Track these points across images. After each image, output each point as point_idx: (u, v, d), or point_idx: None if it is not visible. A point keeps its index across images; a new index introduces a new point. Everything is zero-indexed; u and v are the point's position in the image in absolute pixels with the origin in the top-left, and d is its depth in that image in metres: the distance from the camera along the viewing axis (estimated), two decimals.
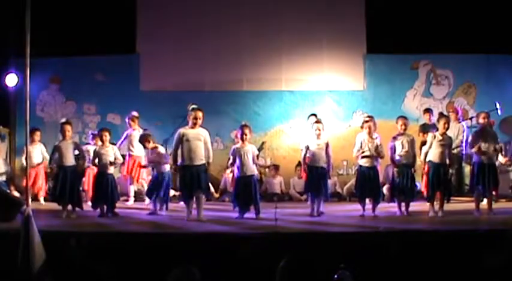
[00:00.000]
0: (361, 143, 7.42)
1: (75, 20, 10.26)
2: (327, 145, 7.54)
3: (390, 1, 10.33)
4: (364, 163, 7.43)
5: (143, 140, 7.97)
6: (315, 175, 7.46)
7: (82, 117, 10.97)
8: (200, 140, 7.17)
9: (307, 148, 7.52)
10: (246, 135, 7.35)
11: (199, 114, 7.16)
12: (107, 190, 7.57)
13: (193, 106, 7.26)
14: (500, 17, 10.02)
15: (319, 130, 7.50)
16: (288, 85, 10.94)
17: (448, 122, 7.46)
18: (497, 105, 9.13)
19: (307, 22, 10.73)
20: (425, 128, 9.17)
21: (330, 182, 9.58)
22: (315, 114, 9.04)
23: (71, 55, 10.51)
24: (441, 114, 7.76)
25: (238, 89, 10.90)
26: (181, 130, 7.23)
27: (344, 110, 10.87)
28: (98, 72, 10.95)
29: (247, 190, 7.27)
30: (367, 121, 7.52)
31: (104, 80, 10.96)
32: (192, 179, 7.09)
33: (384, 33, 10.34)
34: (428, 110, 9.77)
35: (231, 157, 7.46)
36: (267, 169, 10.02)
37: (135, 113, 9.21)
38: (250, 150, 7.36)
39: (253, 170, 7.39)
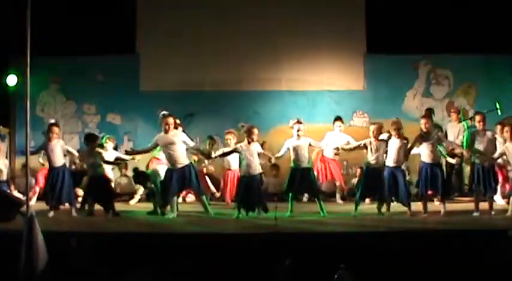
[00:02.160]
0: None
1: (75, 20, 10.25)
2: (309, 144, 7.68)
3: (390, 1, 10.33)
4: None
5: None
6: (297, 177, 7.54)
7: (82, 117, 10.97)
8: (174, 143, 7.35)
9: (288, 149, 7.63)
10: (254, 135, 7.43)
11: (170, 120, 7.42)
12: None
13: (163, 112, 7.52)
14: (499, 17, 10.02)
15: (300, 130, 7.61)
16: (288, 85, 10.93)
17: (428, 121, 7.47)
18: (497, 105, 9.12)
19: (307, 22, 10.72)
20: None
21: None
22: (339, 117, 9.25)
23: (71, 55, 10.50)
24: (424, 114, 7.79)
25: (238, 89, 10.89)
26: (159, 135, 7.50)
27: (344, 110, 10.85)
28: (98, 72, 10.94)
29: (252, 189, 7.29)
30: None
31: (104, 80, 10.95)
32: (178, 181, 7.32)
33: (384, 33, 10.33)
34: (429, 110, 9.75)
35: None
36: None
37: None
38: (255, 150, 7.39)
39: (258, 169, 7.43)
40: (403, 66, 10.98)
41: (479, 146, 7.43)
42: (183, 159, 7.39)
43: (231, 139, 8.32)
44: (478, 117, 7.63)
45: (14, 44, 9.13)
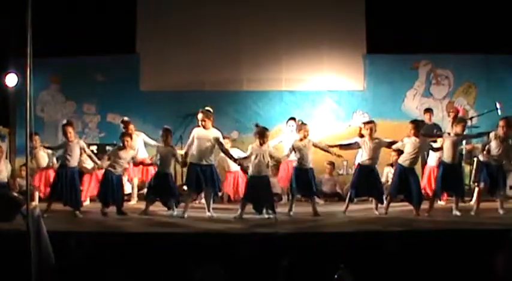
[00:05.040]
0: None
1: (75, 20, 10.25)
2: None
3: (390, 1, 10.33)
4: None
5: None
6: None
7: (82, 117, 10.97)
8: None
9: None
10: (266, 138, 7.44)
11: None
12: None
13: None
14: (500, 16, 10.02)
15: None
16: (288, 85, 10.93)
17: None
18: (497, 105, 9.13)
19: (307, 22, 10.72)
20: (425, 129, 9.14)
21: (330, 181, 9.65)
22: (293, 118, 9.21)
23: (71, 55, 10.51)
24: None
25: (238, 89, 10.89)
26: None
27: (344, 110, 10.87)
28: (98, 72, 10.95)
29: (262, 190, 7.29)
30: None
31: (104, 80, 10.96)
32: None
33: (384, 33, 10.33)
34: (428, 110, 9.76)
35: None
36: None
37: (126, 118, 9.22)
38: (267, 151, 7.39)
39: (267, 170, 7.45)
40: (403, 66, 10.98)
41: (495, 150, 7.43)
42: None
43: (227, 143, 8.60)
44: (501, 122, 7.56)
45: (14, 44, 9.15)
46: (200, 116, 7.55)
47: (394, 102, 10.80)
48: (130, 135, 8.15)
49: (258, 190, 7.31)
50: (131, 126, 9.06)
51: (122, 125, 9.11)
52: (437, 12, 10.25)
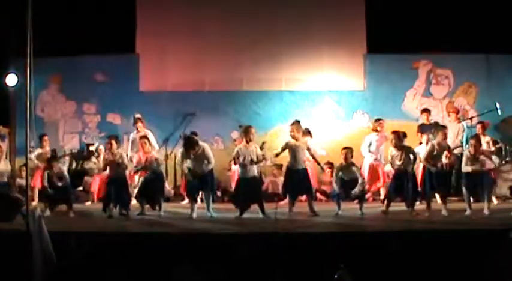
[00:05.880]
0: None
1: (75, 20, 10.26)
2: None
3: (390, 1, 10.33)
4: None
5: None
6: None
7: (82, 117, 10.98)
8: None
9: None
10: (252, 135, 7.39)
11: None
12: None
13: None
14: (500, 16, 10.02)
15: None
16: (288, 85, 10.94)
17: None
18: (497, 105, 9.13)
19: (307, 22, 10.74)
20: (423, 129, 9.14)
21: (329, 181, 9.63)
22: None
23: (71, 55, 10.52)
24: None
25: (238, 89, 10.91)
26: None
27: (344, 110, 10.88)
28: (98, 72, 10.96)
29: (252, 191, 7.29)
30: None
31: (104, 80, 10.97)
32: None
33: (384, 33, 10.34)
34: (426, 110, 9.73)
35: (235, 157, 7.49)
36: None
37: (138, 115, 9.23)
38: (254, 151, 7.36)
39: (255, 171, 7.41)
40: (403, 66, 10.99)
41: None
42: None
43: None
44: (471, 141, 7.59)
45: (14, 44, 9.15)
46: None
47: (394, 102, 10.81)
48: (116, 138, 8.10)
49: (246, 190, 7.29)
50: (139, 125, 9.12)
51: (132, 121, 9.28)
52: (438, 12, 10.25)
